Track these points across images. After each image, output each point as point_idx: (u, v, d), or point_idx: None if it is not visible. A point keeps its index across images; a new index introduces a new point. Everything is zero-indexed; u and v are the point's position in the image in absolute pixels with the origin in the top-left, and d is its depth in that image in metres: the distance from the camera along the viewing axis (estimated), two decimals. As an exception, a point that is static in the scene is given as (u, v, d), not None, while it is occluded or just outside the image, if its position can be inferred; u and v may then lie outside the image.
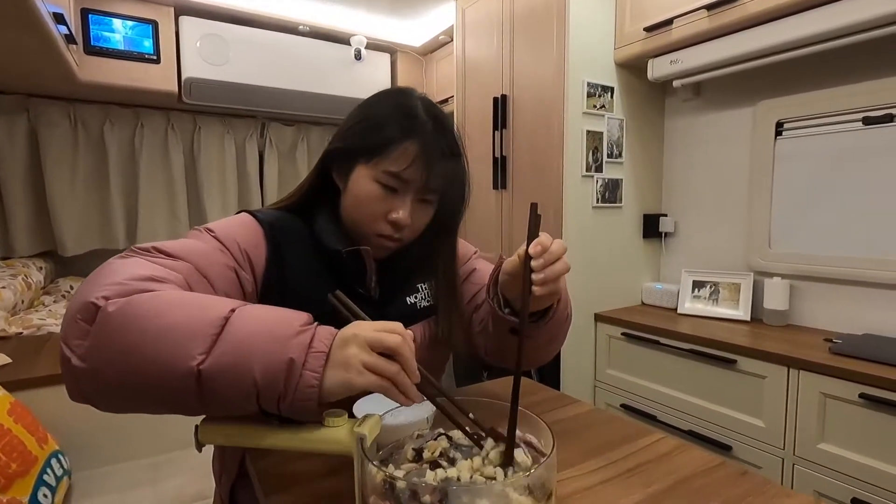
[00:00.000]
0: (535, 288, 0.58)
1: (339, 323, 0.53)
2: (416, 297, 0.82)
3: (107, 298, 0.49)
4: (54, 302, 2.03)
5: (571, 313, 0.80)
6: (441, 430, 0.54)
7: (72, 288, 2.20)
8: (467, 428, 0.53)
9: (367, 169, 0.71)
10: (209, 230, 0.69)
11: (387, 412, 0.54)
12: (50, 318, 1.72)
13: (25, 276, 1.90)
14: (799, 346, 1.35)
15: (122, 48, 2.03)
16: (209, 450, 1.44)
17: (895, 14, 1.19)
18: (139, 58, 2.07)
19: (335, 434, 0.50)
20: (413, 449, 0.51)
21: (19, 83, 2.03)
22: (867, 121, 1.40)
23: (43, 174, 2.20)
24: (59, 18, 1.50)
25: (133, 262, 0.56)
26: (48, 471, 0.99)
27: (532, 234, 0.59)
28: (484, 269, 0.90)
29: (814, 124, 1.52)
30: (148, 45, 2.08)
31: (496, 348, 0.81)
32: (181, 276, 0.58)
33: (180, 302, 0.50)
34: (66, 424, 1.23)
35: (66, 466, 1.08)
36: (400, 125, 0.70)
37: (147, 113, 2.42)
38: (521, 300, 0.58)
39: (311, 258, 0.74)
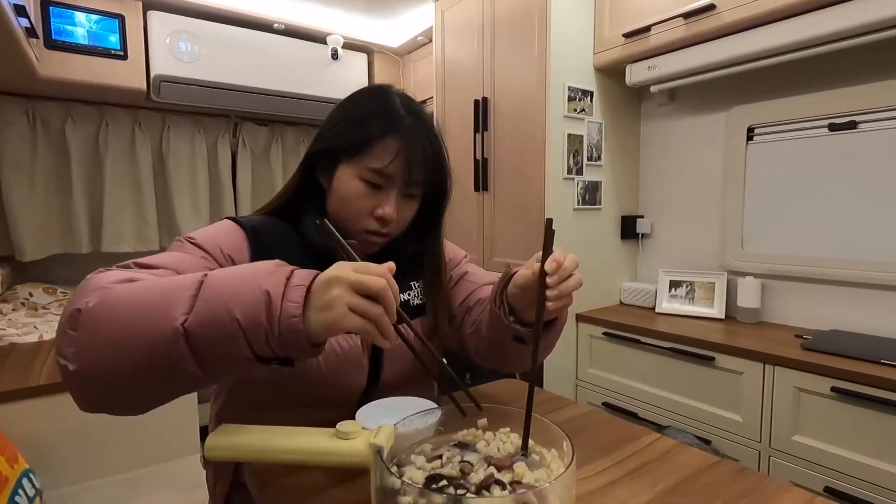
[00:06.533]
0: (549, 303, 0.60)
1: None
2: (409, 295, 0.83)
3: (88, 303, 0.48)
4: (13, 310, 1.92)
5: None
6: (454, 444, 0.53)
7: (31, 295, 2.08)
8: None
9: (350, 167, 0.72)
10: (190, 239, 0.68)
11: (399, 422, 0.53)
12: (11, 328, 1.62)
13: (-19, 283, 1.79)
14: (772, 342, 1.41)
15: (86, 43, 1.94)
16: (193, 465, 1.38)
17: (859, 27, 1.26)
18: (104, 53, 1.98)
19: (351, 446, 0.49)
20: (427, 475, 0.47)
21: (-28, 78, 1.91)
22: (832, 127, 1.48)
23: (-2, 175, 2.08)
24: (21, 10, 1.42)
25: (112, 272, 0.55)
26: (20, 492, 0.93)
27: (546, 250, 0.60)
28: (476, 272, 0.92)
29: (783, 130, 1.59)
30: (114, 40, 1.99)
31: (489, 351, 0.82)
32: None
33: (153, 282, 0.50)
34: (35, 441, 1.16)
35: (37, 486, 1.02)
36: (380, 122, 0.72)
37: (112, 111, 2.32)
38: (536, 315, 0.58)
39: (299, 259, 0.73)
